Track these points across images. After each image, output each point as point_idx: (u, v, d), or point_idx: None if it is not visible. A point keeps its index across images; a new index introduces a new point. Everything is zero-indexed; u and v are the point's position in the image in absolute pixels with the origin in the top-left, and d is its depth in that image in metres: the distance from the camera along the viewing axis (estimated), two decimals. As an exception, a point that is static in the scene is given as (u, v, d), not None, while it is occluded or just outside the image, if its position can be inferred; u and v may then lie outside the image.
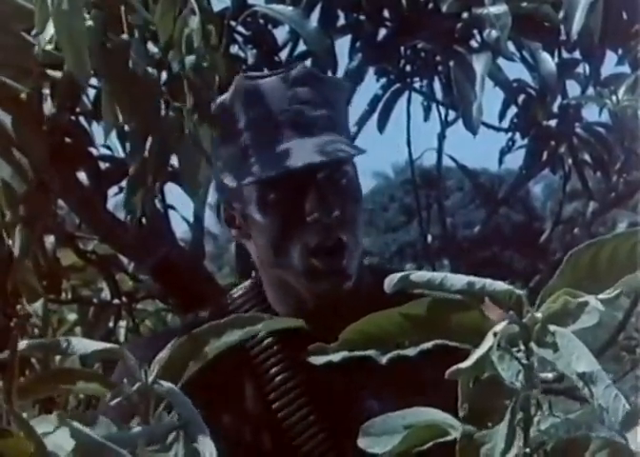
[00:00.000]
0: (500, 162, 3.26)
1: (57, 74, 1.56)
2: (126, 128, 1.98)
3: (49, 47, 1.40)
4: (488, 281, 1.04)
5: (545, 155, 3.19)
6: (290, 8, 2.48)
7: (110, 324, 3.00)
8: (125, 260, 2.98)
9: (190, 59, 1.54)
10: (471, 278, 1.04)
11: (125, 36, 1.48)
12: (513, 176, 3.54)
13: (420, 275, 1.04)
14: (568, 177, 3.30)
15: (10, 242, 2.01)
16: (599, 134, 3.08)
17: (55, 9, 1.35)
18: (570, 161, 3.22)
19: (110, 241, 2.72)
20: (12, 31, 1.42)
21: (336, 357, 1.04)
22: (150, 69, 1.51)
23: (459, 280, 1.03)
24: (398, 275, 1.05)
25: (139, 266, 2.97)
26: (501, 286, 1.04)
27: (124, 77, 1.45)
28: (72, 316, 3.07)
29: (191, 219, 2.99)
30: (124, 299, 2.98)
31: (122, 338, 3.08)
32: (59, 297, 2.77)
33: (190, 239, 3.03)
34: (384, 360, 1.03)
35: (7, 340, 2.28)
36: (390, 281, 1.05)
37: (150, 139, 1.57)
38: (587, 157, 3.17)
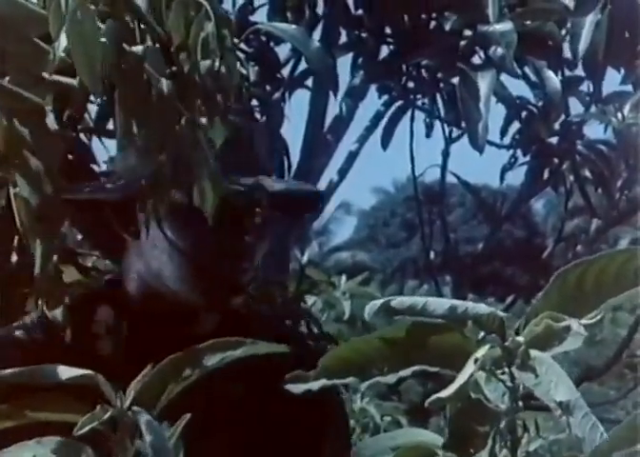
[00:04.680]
0: (502, 179, 3.26)
1: (71, 81, 1.55)
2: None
3: (62, 54, 1.40)
4: (470, 304, 1.03)
5: (547, 172, 3.18)
6: (293, 26, 2.48)
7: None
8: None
9: (204, 64, 1.54)
10: (453, 302, 1.02)
11: (139, 47, 1.47)
12: (515, 192, 3.53)
13: (401, 301, 1.02)
14: (569, 194, 3.30)
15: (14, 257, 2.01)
16: (601, 151, 3.07)
17: (69, 19, 1.35)
18: (571, 178, 3.21)
19: (112, 257, 2.71)
20: (27, 38, 1.42)
21: (315, 385, 1.02)
22: (163, 81, 1.50)
23: (441, 304, 1.02)
24: (379, 302, 1.03)
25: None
26: (484, 309, 1.02)
27: (139, 89, 1.44)
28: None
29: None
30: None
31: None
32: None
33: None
34: (363, 388, 1.01)
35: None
36: (372, 307, 1.03)
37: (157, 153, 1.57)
38: (588, 174, 3.17)
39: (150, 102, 1.45)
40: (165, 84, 1.48)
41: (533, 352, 0.97)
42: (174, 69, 1.52)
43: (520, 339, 0.99)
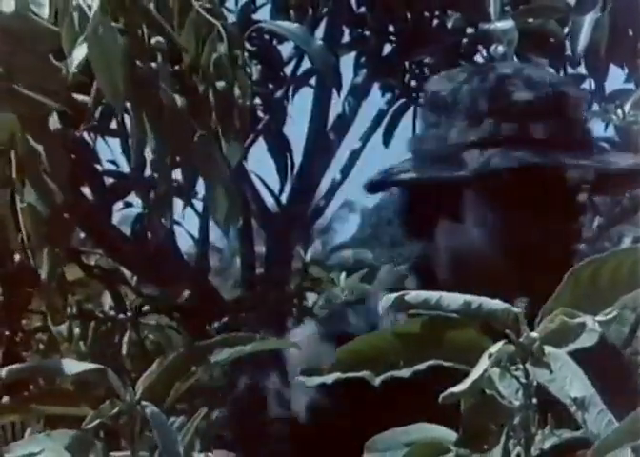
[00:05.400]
0: (505, 177, 3.25)
1: (84, 98, 1.56)
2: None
3: (75, 70, 1.40)
4: (484, 300, 1.02)
5: (550, 170, 3.18)
6: (296, 24, 2.48)
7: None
8: (128, 274, 2.98)
9: (220, 84, 1.54)
10: (468, 297, 1.02)
11: (152, 64, 1.48)
12: (518, 191, 3.53)
13: (415, 295, 1.02)
14: (572, 192, 3.29)
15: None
16: (603, 149, 3.07)
17: (90, 35, 1.35)
18: (574, 176, 3.21)
19: (115, 256, 2.72)
20: (38, 54, 1.42)
21: (329, 379, 1.02)
22: (177, 96, 1.51)
23: (455, 299, 1.01)
24: (393, 295, 1.03)
25: (144, 280, 2.97)
26: (498, 304, 1.02)
27: (153, 104, 1.45)
28: (76, 331, 3.06)
29: (196, 234, 2.99)
30: (128, 314, 2.98)
31: (125, 353, 3.07)
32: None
33: (195, 253, 3.02)
34: (377, 381, 1.01)
35: (12, 355, 2.27)
36: (386, 302, 1.03)
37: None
38: (592, 172, 3.16)
39: (162, 115, 1.46)
40: (177, 99, 1.49)
41: (548, 348, 0.97)
42: (186, 86, 1.53)
43: (535, 335, 0.99)
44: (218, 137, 1.54)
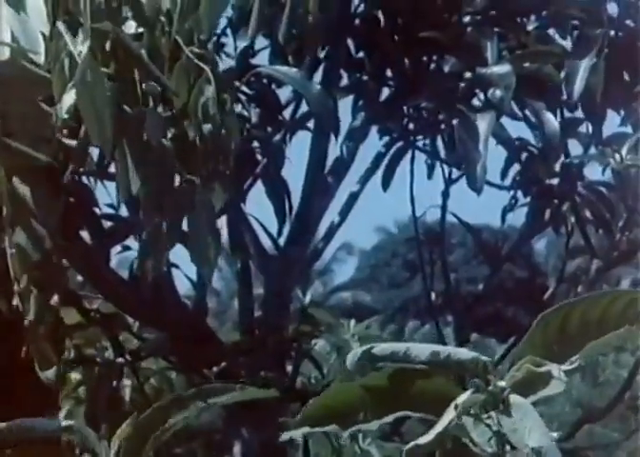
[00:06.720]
0: (503, 220, 3.26)
1: (73, 143, 1.57)
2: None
3: (66, 115, 1.41)
4: (452, 349, 1.03)
5: (547, 213, 3.19)
6: (294, 69, 2.49)
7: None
8: (129, 318, 2.97)
9: (206, 127, 1.56)
10: (436, 347, 1.02)
11: (140, 109, 1.49)
12: (516, 232, 3.54)
13: (383, 348, 1.02)
14: (570, 235, 3.30)
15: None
16: (601, 193, 3.08)
17: (79, 80, 1.37)
18: (572, 219, 3.22)
19: (114, 300, 2.72)
20: (30, 100, 1.44)
21: (297, 433, 1.02)
22: (164, 141, 1.52)
23: (423, 350, 1.01)
24: (360, 350, 1.03)
25: (142, 324, 2.96)
26: (466, 354, 1.02)
27: (139, 147, 1.46)
28: (76, 376, 3.05)
29: (194, 277, 2.99)
30: (128, 358, 2.96)
31: (127, 397, 3.05)
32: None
33: (193, 296, 3.02)
34: (345, 435, 1.01)
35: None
36: (353, 356, 1.04)
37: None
38: (589, 215, 3.17)
39: (148, 161, 1.47)
40: (165, 145, 1.50)
41: (513, 397, 0.97)
42: (175, 131, 1.54)
43: (502, 384, 0.99)
44: (207, 181, 1.55)
